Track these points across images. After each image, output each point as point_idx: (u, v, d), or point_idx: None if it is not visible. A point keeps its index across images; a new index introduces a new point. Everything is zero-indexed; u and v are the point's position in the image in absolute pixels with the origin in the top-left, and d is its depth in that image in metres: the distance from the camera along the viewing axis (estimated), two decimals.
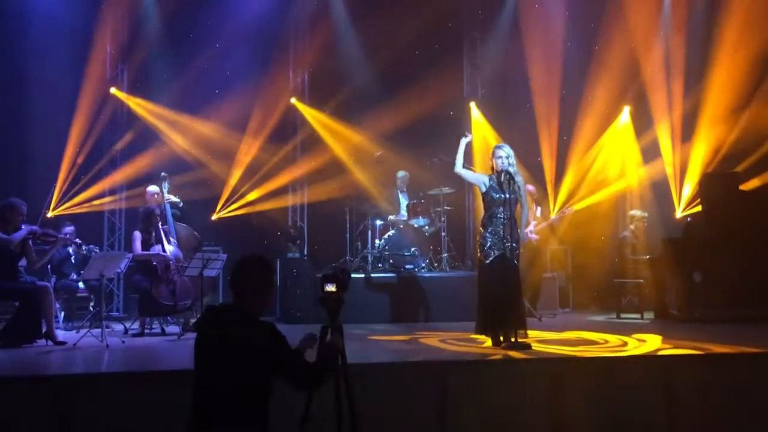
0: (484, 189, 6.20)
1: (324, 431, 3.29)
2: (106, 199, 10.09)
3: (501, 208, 6.05)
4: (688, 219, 9.19)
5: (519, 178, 6.15)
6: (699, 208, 9.36)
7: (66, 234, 8.06)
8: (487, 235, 6.08)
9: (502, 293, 5.93)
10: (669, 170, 10.41)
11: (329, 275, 3.16)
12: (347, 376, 3.18)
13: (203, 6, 10.25)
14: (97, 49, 9.98)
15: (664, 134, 10.45)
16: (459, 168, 6.38)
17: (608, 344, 6.29)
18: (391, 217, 9.30)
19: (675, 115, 10.40)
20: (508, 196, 6.02)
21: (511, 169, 6.05)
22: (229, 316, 3.10)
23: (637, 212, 9.68)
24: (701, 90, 10.09)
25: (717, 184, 8.78)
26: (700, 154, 10.11)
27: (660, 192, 10.47)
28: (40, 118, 9.42)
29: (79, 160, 9.80)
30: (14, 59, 9.42)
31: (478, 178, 6.36)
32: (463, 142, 6.40)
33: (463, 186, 9.98)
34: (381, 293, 8.49)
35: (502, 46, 10.94)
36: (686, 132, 10.29)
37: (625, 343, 6.28)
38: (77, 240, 7.98)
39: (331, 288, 3.13)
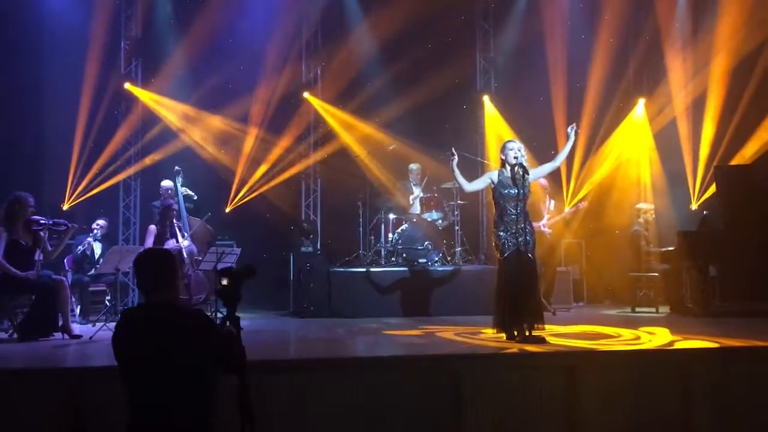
0: (493, 185, 6.10)
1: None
2: (121, 194, 10.17)
3: (513, 203, 5.98)
4: (705, 212, 9.08)
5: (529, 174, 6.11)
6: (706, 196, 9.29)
7: (100, 226, 8.14)
8: (500, 233, 6.01)
9: (518, 288, 5.89)
10: (685, 161, 10.32)
11: (223, 269, 3.25)
12: (245, 370, 3.20)
13: (216, 1, 10.28)
14: (112, 44, 10.03)
15: (680, 125, 10.36)
16: (468, 186, 6.28)
17: (623, 338, 6.25)
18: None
19: (692, 105, 10.30)
20: (520, 191, 5.98)
21: (524, 163, 6.02)
22: (150, 312, 3.18)
23: (643, 205, 9.57)
24: (718, 76, 9.96)
25: (731, 176, 8.68)
26: (718, 145, 9.99)
27: (675, 184, 10.38)
28: (55, 113, 9.53)
29: (93, 155, 9.88)
30: (29, 57, 9.48)
31: (485, 179, 6.23)
32: (453, 163, 6.19)
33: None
34: (394, 287, 8.47)
35: (516, 38, 10.88)
36: (701, 122, 10.19)
37: (639, 337, 6.24)
38: (98, 227, 8.06)
39: (224, 282, 3.20)
